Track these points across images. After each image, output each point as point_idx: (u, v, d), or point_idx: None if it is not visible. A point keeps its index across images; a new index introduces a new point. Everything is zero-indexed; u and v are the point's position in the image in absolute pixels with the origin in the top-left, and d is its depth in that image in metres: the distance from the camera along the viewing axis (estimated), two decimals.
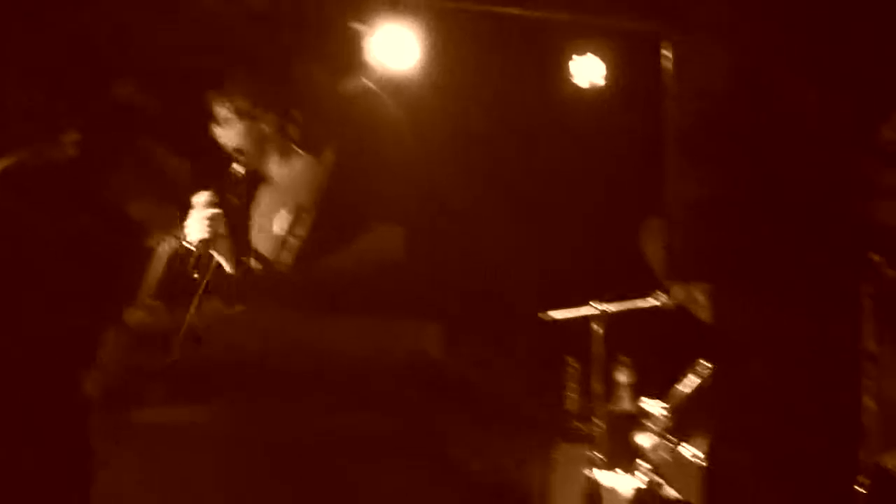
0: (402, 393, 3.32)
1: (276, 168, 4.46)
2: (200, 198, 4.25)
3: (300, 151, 4.36)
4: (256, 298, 4.08)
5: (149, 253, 4.48)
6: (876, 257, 3.08)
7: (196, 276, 4.10)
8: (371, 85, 4.19)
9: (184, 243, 4.24)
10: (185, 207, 4.32)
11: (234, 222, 4.37)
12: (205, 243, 4.20)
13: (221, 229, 4.27)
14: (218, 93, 4.41)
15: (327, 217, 4.01)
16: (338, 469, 3.22)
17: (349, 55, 4.37)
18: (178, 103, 4.81)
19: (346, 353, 3.36)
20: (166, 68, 5.76)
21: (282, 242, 4.15)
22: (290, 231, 4.11)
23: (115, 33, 6.11)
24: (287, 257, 4.10)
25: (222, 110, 4.39)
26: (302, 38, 4.35)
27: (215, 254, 4.25)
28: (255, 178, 4.58)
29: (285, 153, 4.46)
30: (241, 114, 4.37)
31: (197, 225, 4.23)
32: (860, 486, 3.02)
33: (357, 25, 4.60)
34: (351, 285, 3.90)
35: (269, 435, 3.23)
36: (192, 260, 4.18)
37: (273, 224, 4.42)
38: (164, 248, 4.52)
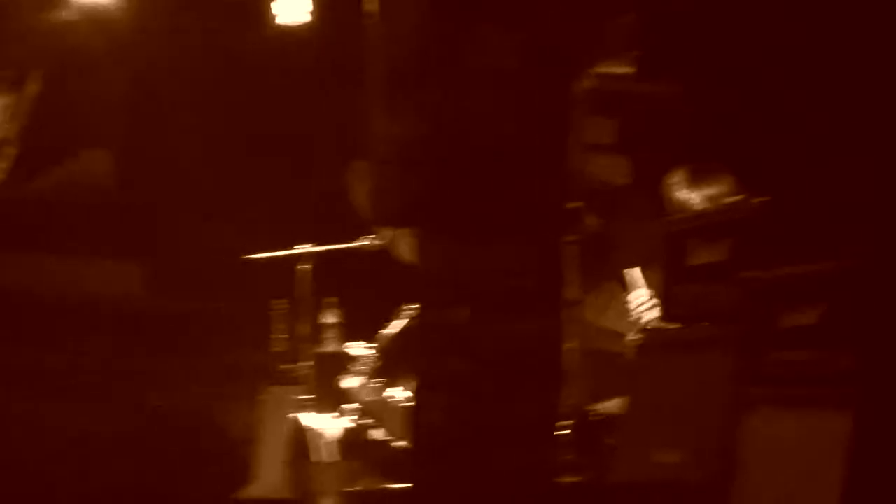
0: (94, 334, 3.22)
1: None
2: None
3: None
4: None
5: None
6: (579, 205, 3.12)
7: None
8: (74, 16, 4.06)
9: None
10: None
11: None
12: None
13: None
14: None
15: (32, 149, 3.87)
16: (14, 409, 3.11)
17: None
18: None
19: (37, 292, 3.24)
20: None
21: None
22: None
23: None
24: None
25: None
26: None
27: None
28: None
29: None
30: None
31: None
32: (562, 430, 3.07)
33: None
34: (52, 216, 3.75)
35: None
36: None
37: None
38: None
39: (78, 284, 3.33)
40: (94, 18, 4.21)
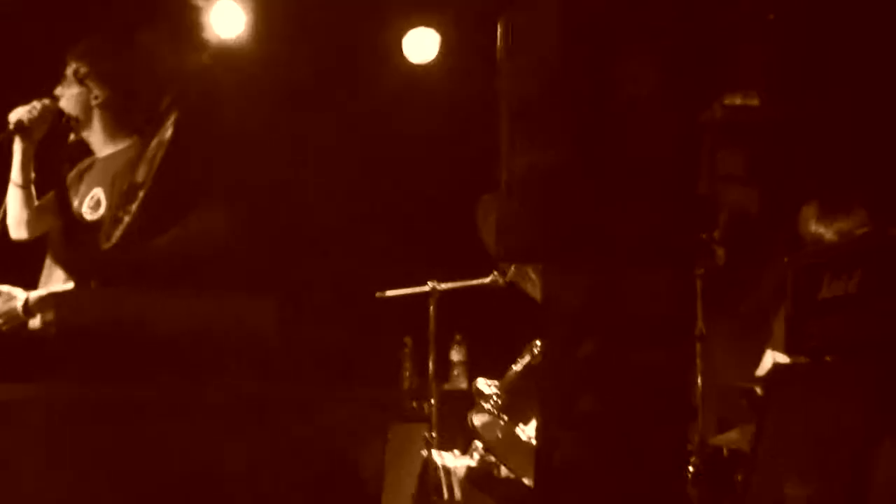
0: (233, 367, 3.27)
1: (101, 138, 4.41)
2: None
3: (136, 124, 4.32)
4: (87, 275, 3.99)
5: None
6: (708, 237, 3.09)
7: None
8: (211, 61, 4.14)
9: None
10: None
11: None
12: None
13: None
14: (71, 53, 4.42)
15: (160, 194, 3.94)
16: (165, 444, 3.16)
17: (190, 30, 4.30)
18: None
19: (174, 328, 3.30)
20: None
21: (112, 218, 4.06)
22: (122, 207, 4.03)
23: None
24: (116, 234, 4.01)
25: (69, 70, 4.40)
26: (144, 10, 4.29)
27: None
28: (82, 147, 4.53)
29: (115, 125, 4.41)
30: (78, 77, 4.37)
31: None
32: (691, 465, 3.03)
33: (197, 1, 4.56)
34: (183, 263, 3.83)
35: (94, 414, 3.16)
36: None
37: (101, 198, 4.35)
38: None
39: (214, 321, 3.38)
40: (227, 60, 4.30)
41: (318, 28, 6.99)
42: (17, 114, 4.37)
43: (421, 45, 7.30)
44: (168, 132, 4.00)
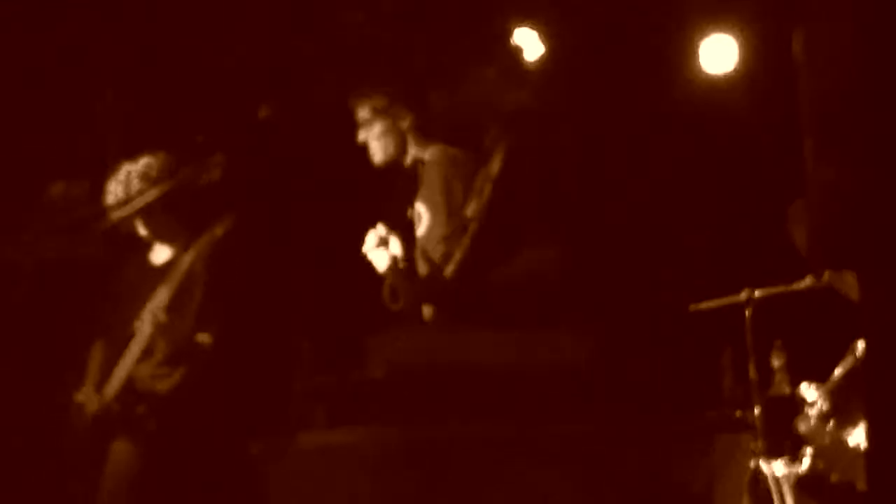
0: (559, 401, 3.33)
1: (427, 164, 4.55)
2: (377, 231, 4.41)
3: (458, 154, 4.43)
4: (420, 310, 4.14)
5: None
6: None
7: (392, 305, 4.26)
8: (534, 99, 4.23)
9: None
10: None
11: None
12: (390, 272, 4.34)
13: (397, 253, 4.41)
14: (358, 96, 4.59)
15: (491, 229, 4.05)
16: (497, 482, 3.24)
17: (515, 69, 4.40)
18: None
19: (502, 366, 3.37)
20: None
21: (445, 253, 4.19)
22: (455, 241, 4.15)
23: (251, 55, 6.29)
24: (450, 268, 4.13)
25: (363, 112, 4.57)
26: (475, 49, 4.41)
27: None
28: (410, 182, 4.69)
29: (429, 149, 4.56)
30: (378, 112, 4.54)
31: (379, 258, 4.39)
32: None
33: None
34: (515, 299, 3.93)
35: (426, 456, 3.27)
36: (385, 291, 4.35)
37: (422, 213, 4.48)
38: None
39: (533, 356, 3.47)
40: (545, 96, 4.40)
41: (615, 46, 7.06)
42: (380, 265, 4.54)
43: (718, 56, 7.27)
44: (496, 167, 4.11)
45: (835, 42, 3.14)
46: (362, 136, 4.68)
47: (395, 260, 4.35)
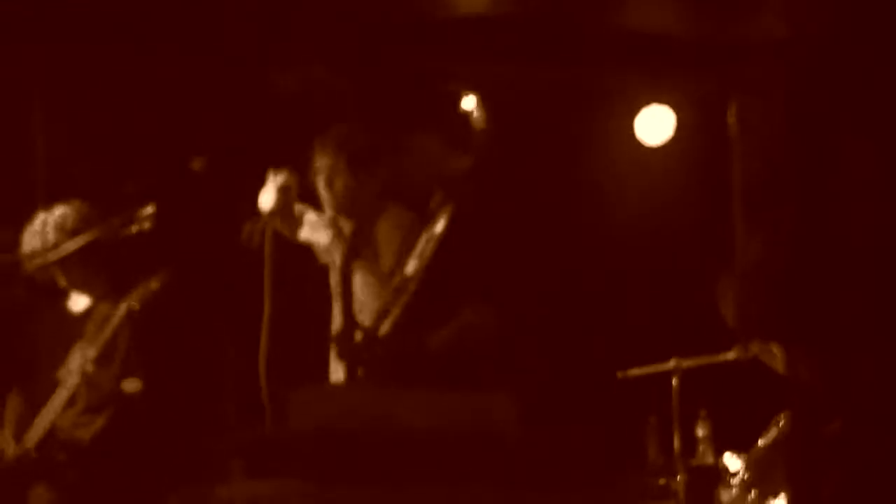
0: (483, 465, 3.32)
1: (377, 230, 4.55)
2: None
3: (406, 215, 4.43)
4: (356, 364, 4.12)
5: None
6: None
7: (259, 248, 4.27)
8: (479, 162, 4.25)
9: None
10: None
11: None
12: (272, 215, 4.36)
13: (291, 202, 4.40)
14: (321, 144, 4.61)
15: (430, 288, 4.03)
16: None
17: (460, 133, 4.41)
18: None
19: (427, 428, 3.36)
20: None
21: (382, 312, 4.16)
22: (393, 300, 4.12)
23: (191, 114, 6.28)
24: (386, 327, 4.10)
25: (322, 160, 4.59)
26: (418, 114, 4.41)
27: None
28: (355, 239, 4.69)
29: (389, 215, 4.56)
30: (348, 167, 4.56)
31: (268, 195, 4.40)
32: None
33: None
34: (447, 361, 3.93)
35: None
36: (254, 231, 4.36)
37: (370, 291, 4.46)
38: None
39: (459, 418, 3.45)
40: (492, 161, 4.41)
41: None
42: (266, 204, 4.60)
43: (654, 127, 7.36)
44: (439, 227, 4.11)
45: (766, 118, 3.19)
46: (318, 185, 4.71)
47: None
